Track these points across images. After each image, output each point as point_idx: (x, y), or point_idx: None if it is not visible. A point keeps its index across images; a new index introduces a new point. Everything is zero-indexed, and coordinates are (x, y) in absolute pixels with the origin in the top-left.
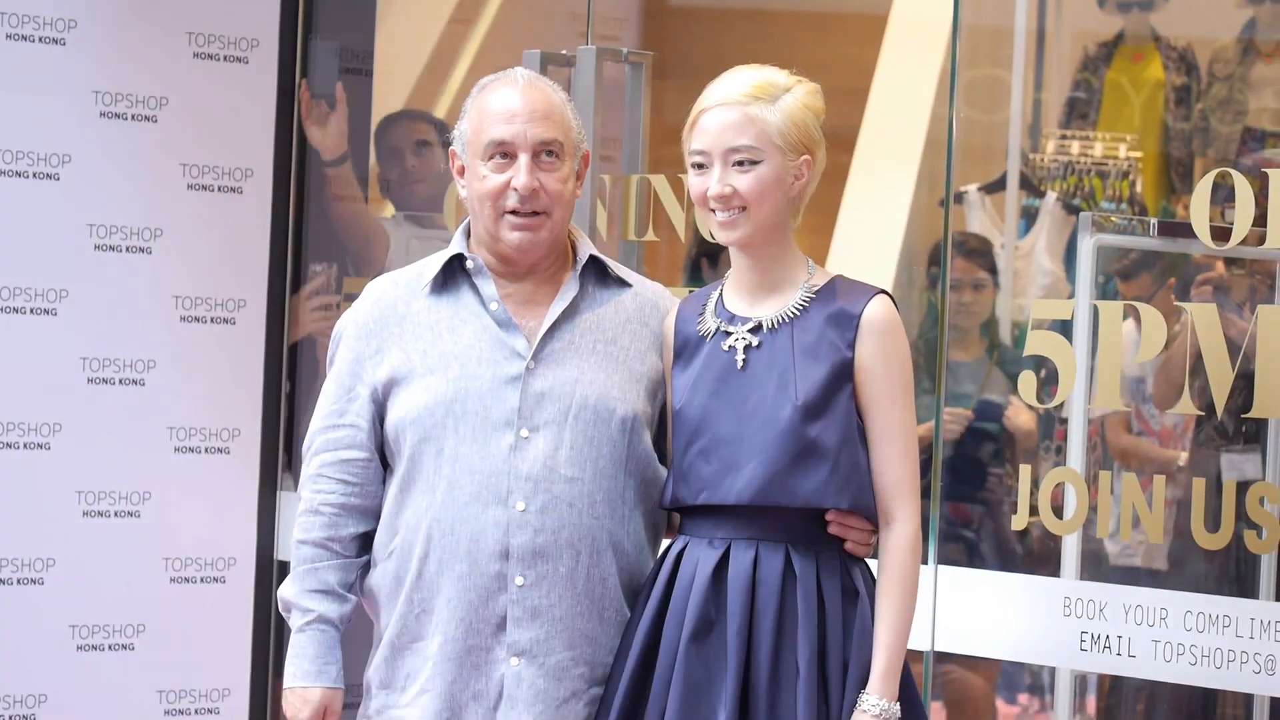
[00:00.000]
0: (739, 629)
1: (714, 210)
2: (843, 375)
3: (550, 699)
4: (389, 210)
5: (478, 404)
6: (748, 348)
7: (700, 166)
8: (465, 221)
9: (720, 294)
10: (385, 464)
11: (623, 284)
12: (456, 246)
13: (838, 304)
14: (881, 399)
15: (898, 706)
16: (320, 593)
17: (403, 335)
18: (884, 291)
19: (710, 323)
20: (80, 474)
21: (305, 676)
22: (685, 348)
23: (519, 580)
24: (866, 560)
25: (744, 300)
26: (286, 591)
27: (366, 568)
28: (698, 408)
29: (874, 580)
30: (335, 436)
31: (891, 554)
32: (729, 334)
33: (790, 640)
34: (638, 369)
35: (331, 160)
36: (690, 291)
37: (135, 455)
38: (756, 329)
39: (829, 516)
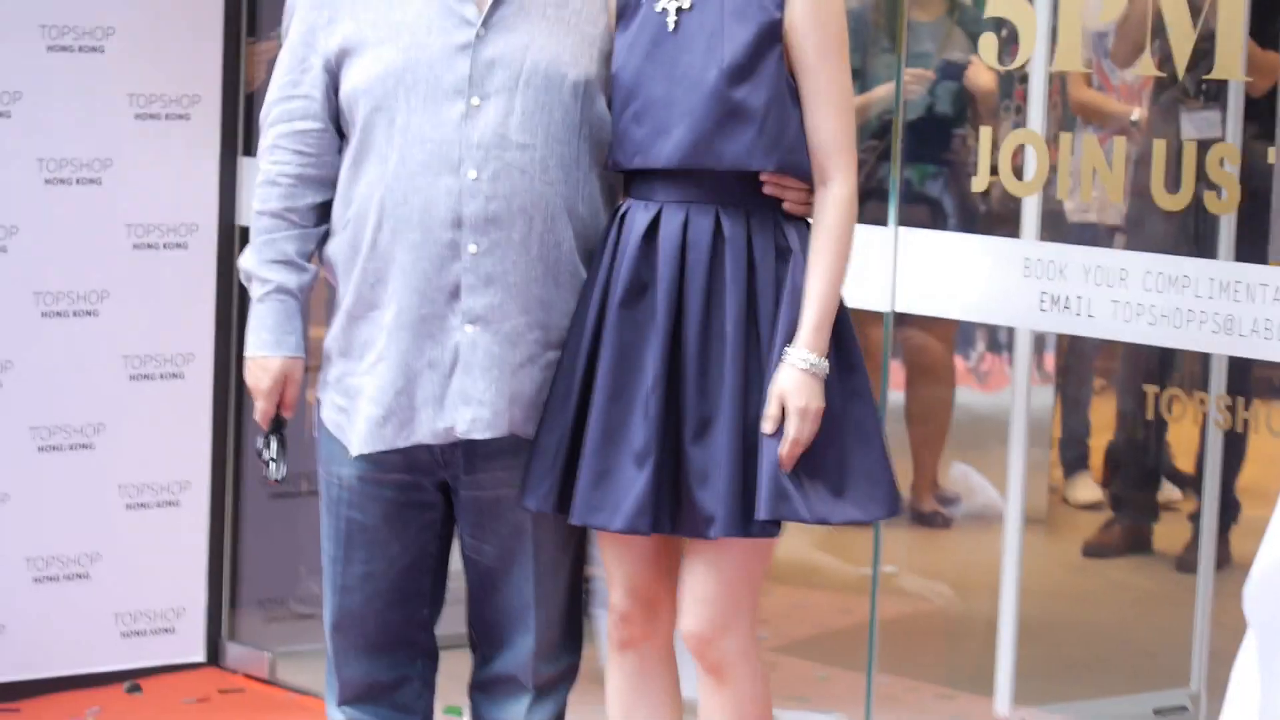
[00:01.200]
0: (668, 290)
1: None
2: (771, 36)
3: (505, 364)
4: None
5: (428, 73)
6: (679, 10)
7: None
8: None
9: None
10: (342, 135)
11: None
12: None
13: None
14: (812, 59)
15: (826, 362)
16: (279, 263)
17: (354, 4)
18: None
19: None
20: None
21: (265, 346)
22: (624, 10)
23: (472, 248)
24: (807, 221)
25: None
26: (246, 262)
27: (327, 237)
28: (631, 71)
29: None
30: (290, 108)
31: (825, 212)
32: None
33: (719, 300)
34: (589, 32)
35: None
36: None
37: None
38: None
39: (763, 178)
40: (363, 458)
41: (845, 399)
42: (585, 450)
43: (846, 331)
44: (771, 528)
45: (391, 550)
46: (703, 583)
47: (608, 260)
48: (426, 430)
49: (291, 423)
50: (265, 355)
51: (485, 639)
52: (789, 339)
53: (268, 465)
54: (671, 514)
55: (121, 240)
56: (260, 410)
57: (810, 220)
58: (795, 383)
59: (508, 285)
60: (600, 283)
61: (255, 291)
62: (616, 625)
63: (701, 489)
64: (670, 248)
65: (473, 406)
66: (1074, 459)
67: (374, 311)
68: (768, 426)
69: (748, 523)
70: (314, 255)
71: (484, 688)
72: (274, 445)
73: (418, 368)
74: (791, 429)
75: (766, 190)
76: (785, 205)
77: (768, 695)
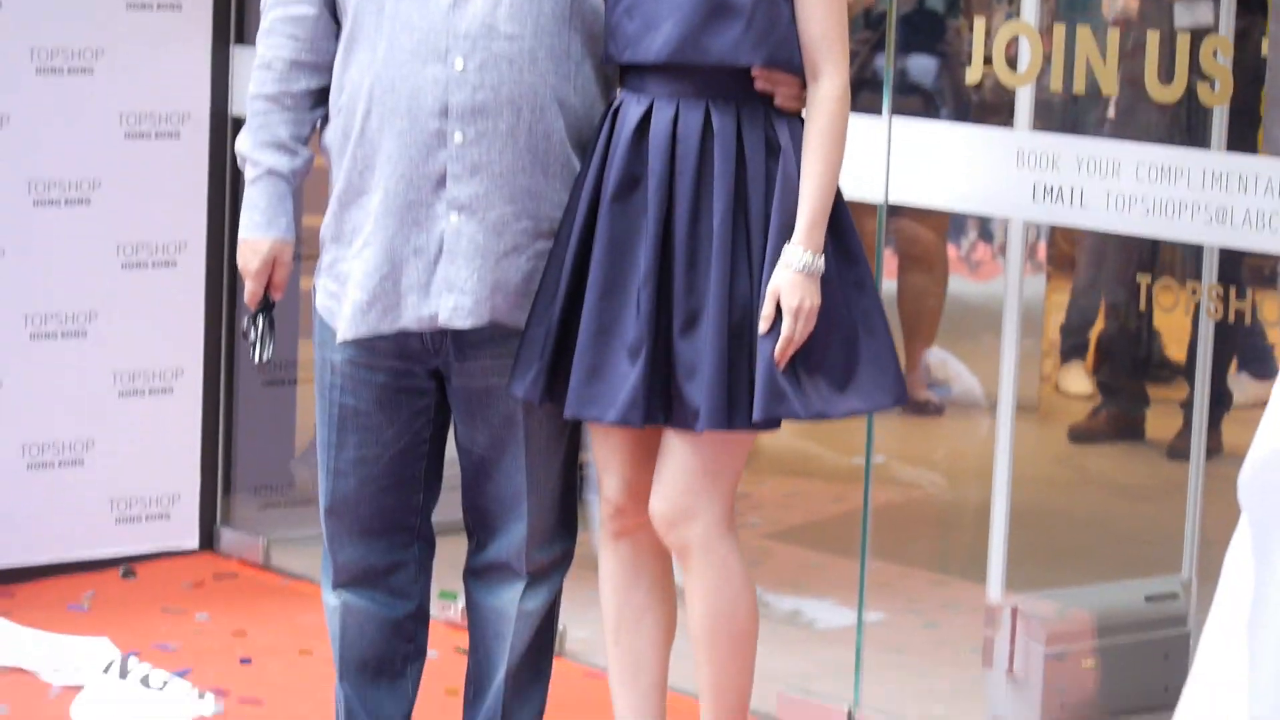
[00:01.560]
0: (659, 185)
1: None
2: None
3: (490, 253)
4: None
5: None
6: None
7: None
8: None
9: None
10: (339, 21)
11: None
12: None
13: None
14: None
15: (821, 260)
16: (271, 146)
17: None
18: None
19: None
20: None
21: (255, 228)
22: None
23: (458, 137)
24: (801, 117)
25: None
26: (241, 144)
27: (325, 123)
28: None
29: (801, 139)
30: None
31: (818, 108)
32: None
33: (708, 195)
34: None
35: None
36: None
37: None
38: None
39: (754, 73)
40: (354, 343)
41: (847, 291)
42: (578, 344)
43: (845, 224)
44: (764, 423)
45: (384, 435)
46: (673, 467)
47: (601, 152)
48: (411, 316)
49: (282, 308)
50: (255, 237)
51: (479, 526)
52: (784, 237)
53: (253, 347)
54: (664, 406)
55: (114, 130)
56: (249, 291)
57: (804, 116)
58: (790, 282)
59: (493, 175)
60: (593, 175)
61: (248, 174)
62: (609, 517)
63: (689, 382)
64: (660, 142)
65: (455, 294)
66: (1069, 349)
67: (362, 197)
68: (763, 326)
69: (733, 416)
70: (310, 140)
71: (478, 574)
72: (261, 326)
73: (404, 254)
74: (785, 327)
75: (757, 85)
76: (777, 100)
77: (739, 586)
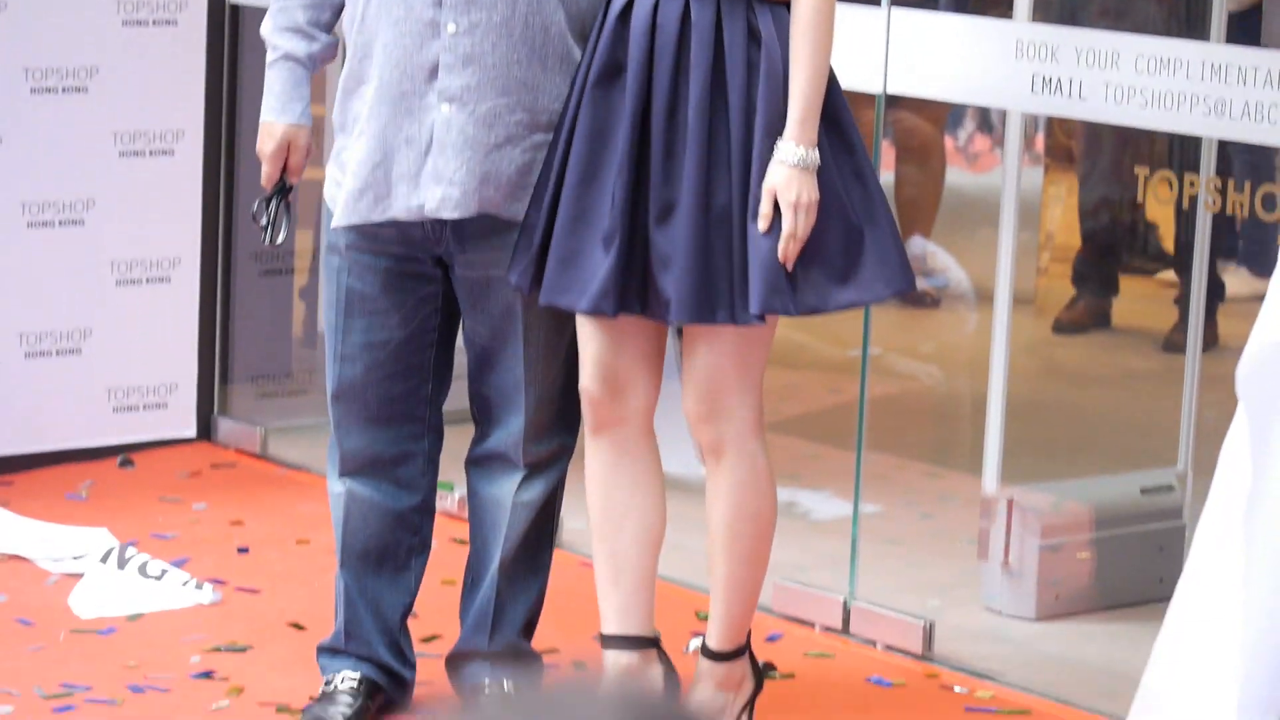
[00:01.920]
0: (638, 73)
1: None
2: None
3: (480, 145)
4: None
5: None
6: None
7: None
8: None
9: None
10: None
11: None
12: None
13: None
14: None
15: (815, 154)
16: (289, 30)
17: None
18: None
19: None
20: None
21: (271, 112)
22: None
23: (451, 27)
24: (786, 6)
25: None
26: (263, 28)
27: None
28: None
29: (786, 27)
30: None
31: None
32: None
33: (685, 84)
34: None
35: None
36: None
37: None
38: None
39: None
40: (358, 229)
41: (846, 182)
42: (554, 233)
43: (842, 114)
44: (754, 318)
45: (390, 321)
46: (699, 365)
47: (593, 41)
48: (401, 206)
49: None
50: (270, 120)
51: (482, 416)
52: (773, 133)
53: (264, 230)
54: (642, 296)
55: (110, 17)
56: (264, 174)
57: (789, 4)
58: (785, 178)
59: (485, 66)
60: (585, 64)
61: (268, 58)
62: (587, 409)
63: (663, 273)
64: (640, 30)
65: (443, 185)
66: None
67: (361, 86)
68: (761, 224)
69: (704, 308)
70: (333, 26)
71: (478, 462)
72: (274, 209)
73: (395, 143)
74: (786, 223)
75: None
76: None
77: (766, 488)
